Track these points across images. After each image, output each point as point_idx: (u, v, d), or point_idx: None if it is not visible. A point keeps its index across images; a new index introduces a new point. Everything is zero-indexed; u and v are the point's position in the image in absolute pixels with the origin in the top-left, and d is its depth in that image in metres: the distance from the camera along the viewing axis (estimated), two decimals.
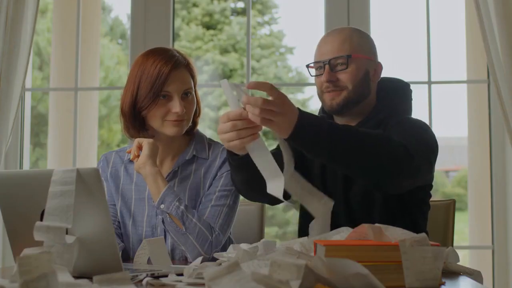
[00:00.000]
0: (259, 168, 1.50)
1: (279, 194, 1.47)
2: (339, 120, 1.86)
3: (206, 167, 1.88)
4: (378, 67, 1.87)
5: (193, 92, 1.87)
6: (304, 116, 1.48)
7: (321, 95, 1.85)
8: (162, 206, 1.75)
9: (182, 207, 1.74)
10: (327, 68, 1.80)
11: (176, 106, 1.80)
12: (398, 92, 1.92)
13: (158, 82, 1.79)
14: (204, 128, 10.03)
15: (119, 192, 1.92)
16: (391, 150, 1.56)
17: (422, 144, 1.68)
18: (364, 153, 1.54)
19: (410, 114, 1.89)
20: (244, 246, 1.48)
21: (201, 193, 1.86)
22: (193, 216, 1.75)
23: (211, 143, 1.94)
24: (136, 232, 1.88)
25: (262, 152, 1.50)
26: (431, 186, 1.87)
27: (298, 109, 1.49)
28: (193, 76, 1.88)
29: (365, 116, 1.84)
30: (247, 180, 1.71)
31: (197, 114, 1.93)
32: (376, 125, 1.81)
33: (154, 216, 1.86)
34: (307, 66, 1.87)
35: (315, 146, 1.51)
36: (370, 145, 1.55)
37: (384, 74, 1.92)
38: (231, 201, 1.84)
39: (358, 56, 1.80)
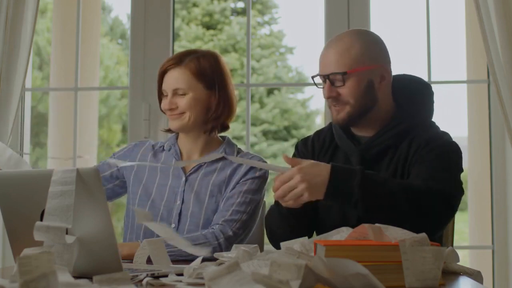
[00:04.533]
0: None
1: None
2: (355, 131, 1.83)
3: (233, 169, 1.93)
4: (386, 71, 1.78)
5: (189, 92, 1.91)
6: (335, 172, 1.55)
7: (329, 107, 1.81)
8: None
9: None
10: (328, 83, 1.75)
11: (164, 104, 1.94)
12: (419, 98, 1.83)
13: (159, 83, 1.96)
14: None
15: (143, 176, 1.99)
16: (418, 202, 1.59)
17: (449, 178, 1.69)
18: (397, 207, 1.57)
19: (431, 117, 1.84)
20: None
21: (223, 192, 1.91)
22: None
23: (240, 150, 2.00)
24: (153, 213, 1.92)
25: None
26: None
27: (331, 166, 1.56)
28: (198, 75, 1.91)
29: (384, 125, 1.78)
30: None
31: (225, 115, 1.96)
32: (397, 136, 1.76)
33: (172, 201, 1.93)
34: (313, 77, 1.82)
35: (347, 201, 1.57)
36: (403, 200, 1.57)
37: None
38: (251, 209, 1.89)
39: (356, 70, 1.73)
